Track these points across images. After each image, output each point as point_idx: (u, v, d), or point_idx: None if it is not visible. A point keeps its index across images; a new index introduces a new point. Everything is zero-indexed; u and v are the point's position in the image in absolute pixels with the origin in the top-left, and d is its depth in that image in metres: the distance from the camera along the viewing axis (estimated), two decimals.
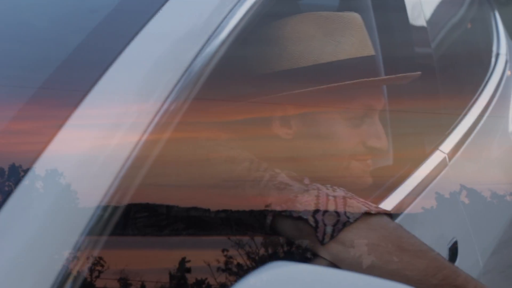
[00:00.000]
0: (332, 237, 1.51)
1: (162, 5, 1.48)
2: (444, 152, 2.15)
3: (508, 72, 2.96)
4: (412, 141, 2.09)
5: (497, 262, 2.31)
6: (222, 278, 1.41)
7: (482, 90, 2.66)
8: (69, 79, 1.39)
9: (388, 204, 1.81)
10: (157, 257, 1.42)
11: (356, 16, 1.79)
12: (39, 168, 1.23)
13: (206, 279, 1.40)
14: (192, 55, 1.42)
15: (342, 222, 1.51)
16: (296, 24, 1.73)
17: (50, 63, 1.42)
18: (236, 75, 1.67)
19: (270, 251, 1.52)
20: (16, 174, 1.24)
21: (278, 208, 1.52)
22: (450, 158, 2.16)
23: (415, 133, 2.09)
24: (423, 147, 2.10)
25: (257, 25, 1.61)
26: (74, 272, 1.18)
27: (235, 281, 1.31)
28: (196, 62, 1.41)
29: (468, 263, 2.04)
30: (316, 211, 1.51)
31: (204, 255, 1.44)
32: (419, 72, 1.87)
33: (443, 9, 2.67)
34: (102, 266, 1.26)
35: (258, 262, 1.45)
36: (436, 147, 2.15)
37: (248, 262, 1.45)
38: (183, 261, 1.38)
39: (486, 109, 2.58)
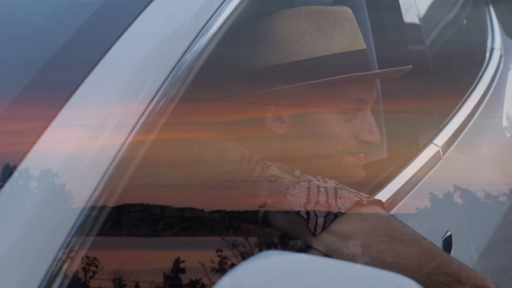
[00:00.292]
0: (324, 228, 1.51)
1: (148, 3, 1.47)
2: (438, 146, 2.16)
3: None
4: (406, 135, 2.09)
5: (487, 264, 2.29)
6: (214, 272, 1.41)
7: (476, 85, 2.66)
8: (54, 79, 1.38)
9: (382, 196, 1.80)
10: (147, 256, 1.41)
11: (346, 10, 1.79)
12: (25, 168, 1.23)
13: (197, 273, 1.39)
14: (179, 53, 1.41)
15: (333, 213, 1.52)
16: (287, 19, 1.73)
17: (36, 62, 1.41)
18: (226, 73, 1.67)
19: (263, 243, 1.52)
20: (2, 174, 1.23)
21: (269, 201, 1.52)
22: (444, 152, 2.16)
23: (408, 127, 2.10)
24: (417, 141, 2.11)
25: (246, 21, 1.60)
26: (62, 272, 1.18)
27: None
28: (183, 61, 1.40)
29: (463, 257, 2.04)
30: (307, 203, 1.52)
31: (196, 249, 1.44)
32: (410, 66, 1.87)
33: (438, 5, 2.69)
34: (89, 265, 1.25)
35: (251, 255, 1.44)
36: (430, 141, 2.15)
37: (241, 255, 1.45)
38: (175, 257, 1.38)
39: (480, 104, 2.58)
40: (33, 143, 1.25)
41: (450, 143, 2.24)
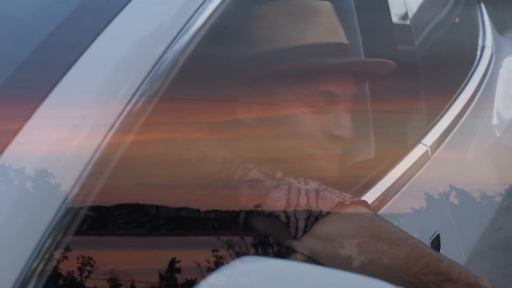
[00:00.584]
0: (305, 231, 1.49)
1: (127, 2, 1.46)
2: (426, 145, 2.15)
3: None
4: (394, 134, 2.07)
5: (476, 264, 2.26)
6: (193, 277, 1.39)
7: (466, 84, 2.65)
8: (30, 78, 1.36)
9: (370, 196, 1.79)
10: (125, 257, 1.40)
11: (325, 4, 1.77)
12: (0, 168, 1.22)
13: (175, 275, 1.38)
14: (159, 52, 1.39)
15: (314, 215, 1.49)
16: (265, 12, 1.71)
17: (12, 61, 1.39)
18: (207, 71, 1.63)
19: (245, 249, 1.50)
20: None
21: (250, 206, 1.50)
22: (432, 152, 2.15)
23: (396, 126, 2.09)
24: (405, 140, 2.09)
25: (229, 19, 1.58)
26: (37, 273, 1.17)
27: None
28: (163, 59, 1.39)
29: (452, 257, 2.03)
30: (287, 206, 1.49)
31: (176, 255, 1.41)
32: (387, 61, 1.83)
33: (429, 3, 2.68)
34: (65, 266, 1.24)
35: (232, 259, 1.43)
36: (418, 141, 2.14)
37: (223, 261, 1.43)
38: (153, 258, 1.39)
39: (470, 103, 2.56)
40: (7, 144, 1.24)
41: (439, 143, 2.23)
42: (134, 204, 1.44)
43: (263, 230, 1.51)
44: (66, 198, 1.22)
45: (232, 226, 1.51)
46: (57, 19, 1.46)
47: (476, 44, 3.02)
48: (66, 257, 1.23)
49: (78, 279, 1.28)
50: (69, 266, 1.26)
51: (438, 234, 2.01)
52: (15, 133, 1.24)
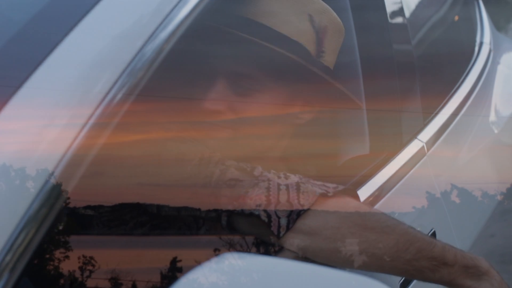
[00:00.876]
0: (288, 228, 1.44)
1: None
2: (422, 141, 2.15)
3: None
4: (389, 130, 2.06)
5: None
6: (172, 273, 1.37)
7: (464, 80, 2.65)
8: None
9: (365, 192, 1.78)
10: (101, 257, 1.35)
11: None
12: None
13: (154, 273, 1.36)
14: (134, 51, 1.35)
15: (296, 211, 1.45)
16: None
17: None
18: (188, 68, 1.59)
19: (229, 247, 1.46)
20: None
21: (230, 207, 1.45)
22: (428, 148, 2.15)
23: (393, 122, 2.08)
24: (400, 136, 2.08)
25: (211, 12, 1.53)
26: (5, 274, 1.16)
27: None
28: (138, 58, 1.34)
29: None
30: (268, 204, 1.44)
31: (156, 250, 1.40)
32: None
33: (426, 1, 2.69)
34: (38, 265, 1.23)
35: (215, 256, 1.37)
36: (414, 136, 2.13)
37: (205, 257, 1.36)
38: (131, 257, 1.37)
39: (468, 99, 2.56)
40: None
41: (435, 139, 2.22)
42: (107, 205, 1.42)
43: (246, 230, 1.46)
44: (35, 199, 1.20)
45: (217, 228, 1.47)
46: (28, 14, 1.40)
47: (474, 41, 3.01)
48: (39, 253, 1.22)
49: (52, 274, 1.27)
50: (43, 262, 1.25)
51: (434, 231, 2.00)
52: None
